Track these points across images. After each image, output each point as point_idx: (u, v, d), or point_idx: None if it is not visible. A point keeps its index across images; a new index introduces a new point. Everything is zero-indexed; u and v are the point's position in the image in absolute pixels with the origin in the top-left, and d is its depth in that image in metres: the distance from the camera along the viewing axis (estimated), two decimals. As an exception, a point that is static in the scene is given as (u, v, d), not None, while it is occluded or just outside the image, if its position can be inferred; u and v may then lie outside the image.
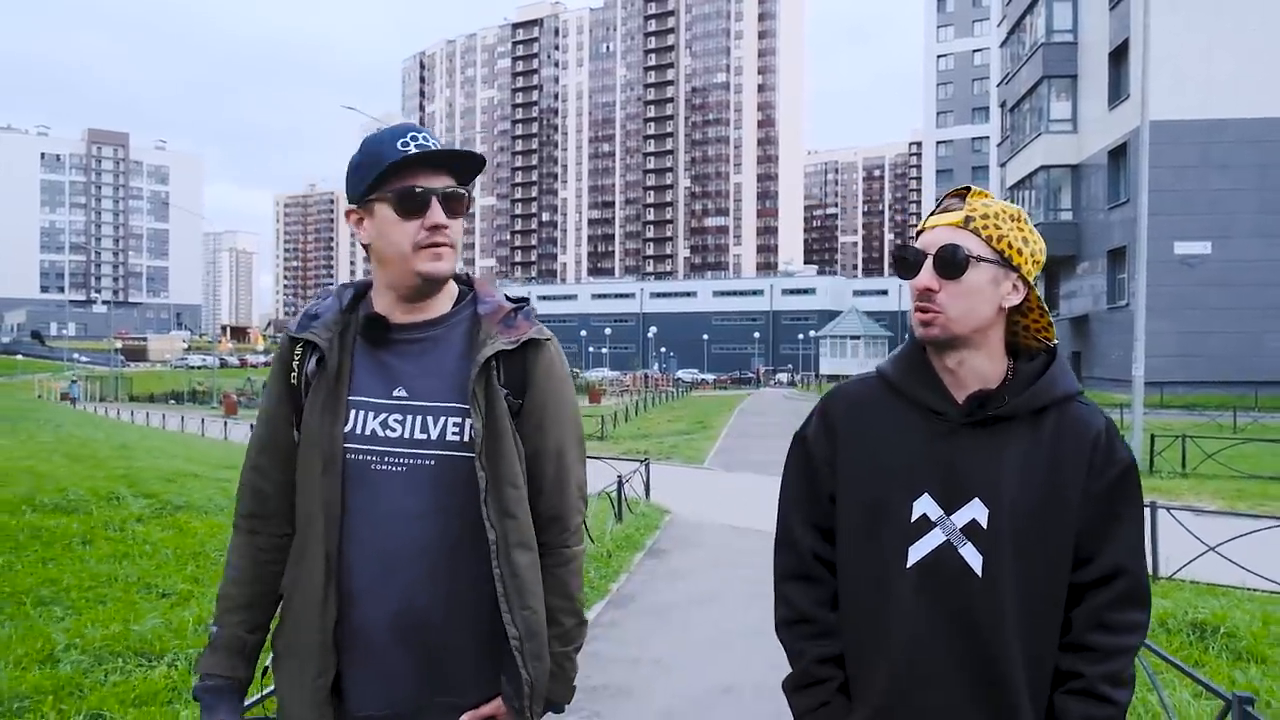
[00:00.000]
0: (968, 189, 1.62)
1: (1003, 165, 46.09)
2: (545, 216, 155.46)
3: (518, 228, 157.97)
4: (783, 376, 76.67)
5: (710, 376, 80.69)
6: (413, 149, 1.64)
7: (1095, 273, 34.78)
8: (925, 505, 1.58)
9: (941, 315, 1.56)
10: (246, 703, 1.78)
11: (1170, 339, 28.63)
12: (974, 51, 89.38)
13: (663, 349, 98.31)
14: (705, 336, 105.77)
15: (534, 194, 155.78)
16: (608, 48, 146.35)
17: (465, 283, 1.82)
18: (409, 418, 1.68)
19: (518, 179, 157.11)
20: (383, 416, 1.68)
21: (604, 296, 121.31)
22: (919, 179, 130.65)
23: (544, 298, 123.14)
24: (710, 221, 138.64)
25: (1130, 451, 1.59)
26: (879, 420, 1.65)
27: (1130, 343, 31.81)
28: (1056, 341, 1.66)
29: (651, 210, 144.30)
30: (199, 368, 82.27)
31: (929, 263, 1.57)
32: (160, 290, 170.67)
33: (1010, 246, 1.57)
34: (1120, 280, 32.36)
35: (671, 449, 19.69)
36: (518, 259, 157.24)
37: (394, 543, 1.65)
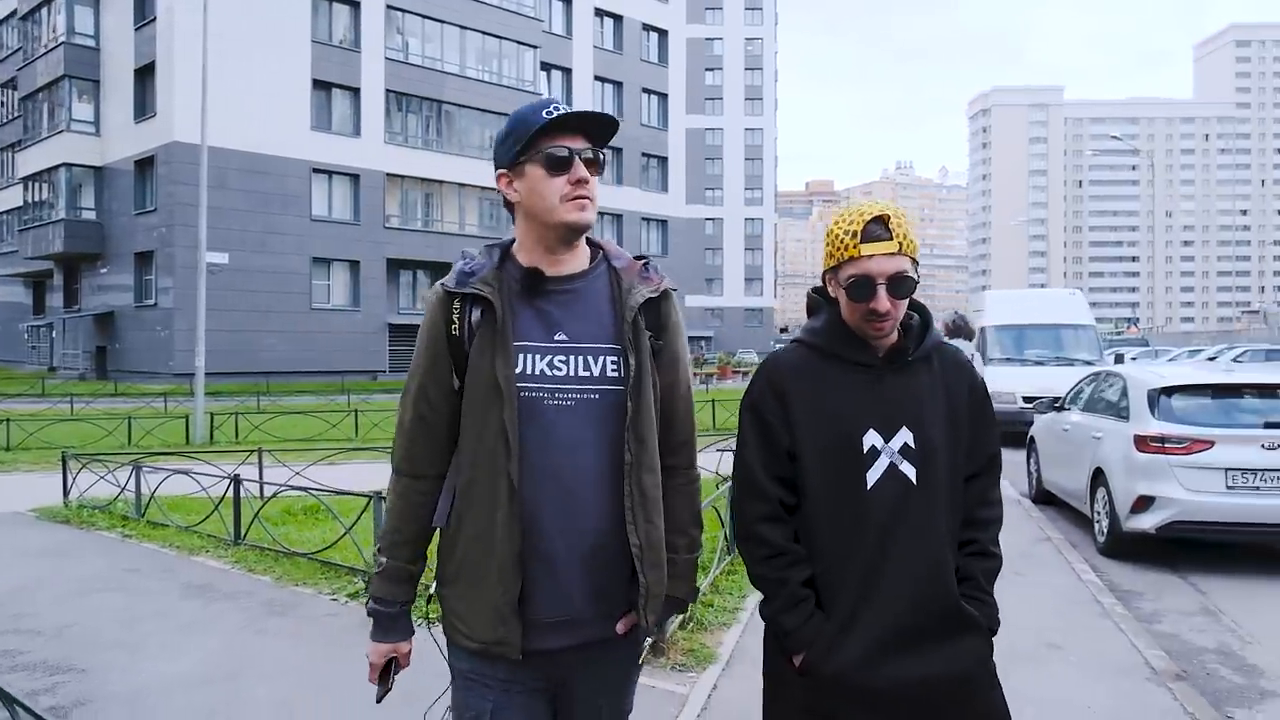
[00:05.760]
0: (886, 215, 1.94)
1: (13, 148, 43.84)
2: None
3: None
4: None
5: None
6: (555, 115, 1.86)
7: (122, 272, 36.41)
8: (872, 438, 1.96)
9: (890, 323, 1.96)
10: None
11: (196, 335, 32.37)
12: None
13: None
14: None
15: None
16: None
17: (591, 244, 2.01)
18: (571, 358, 1.88)
19: None
20: (548, 358, 1.87)
21: None
22: None
23: None
24: None
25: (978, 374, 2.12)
26: (818, 378, 2.00)
27: (159, 338, 34.69)
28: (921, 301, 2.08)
29: None
30: None
31: (883, 290, 1.91)
32: None
33: (916, 249, 1.95)
34: (148, 281, 34.79)
35: None
36: None
37: (571, 470, 1.84)
